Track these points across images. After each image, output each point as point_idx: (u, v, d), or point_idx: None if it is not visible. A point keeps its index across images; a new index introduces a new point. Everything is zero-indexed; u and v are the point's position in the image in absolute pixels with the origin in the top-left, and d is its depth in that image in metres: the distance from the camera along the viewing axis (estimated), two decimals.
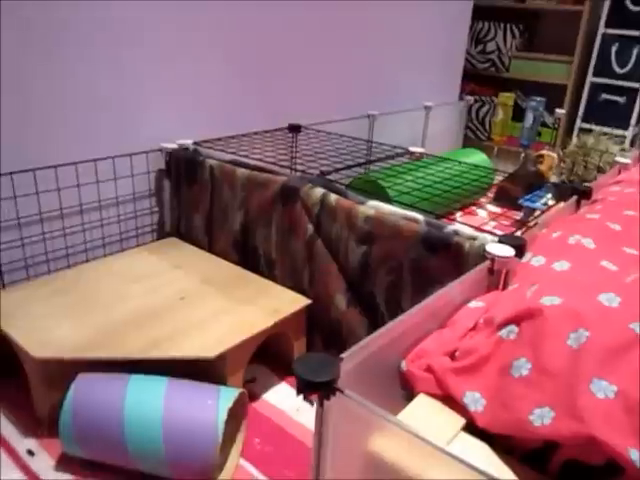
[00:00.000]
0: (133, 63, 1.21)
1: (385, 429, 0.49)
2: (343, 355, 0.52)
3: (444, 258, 0.85)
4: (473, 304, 0.73)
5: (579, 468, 0.50)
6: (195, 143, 1.31)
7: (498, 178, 2.04)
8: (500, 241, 0.82)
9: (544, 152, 2.16)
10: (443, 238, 0.86)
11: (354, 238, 0.96)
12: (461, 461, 0.43)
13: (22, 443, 0.89)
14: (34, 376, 0.89)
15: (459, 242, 0.84)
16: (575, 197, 1.09)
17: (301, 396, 0.49)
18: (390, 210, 0.94)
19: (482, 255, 0.80)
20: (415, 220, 0.91)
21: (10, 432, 0.91)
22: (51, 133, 1.12)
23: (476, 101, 2.89)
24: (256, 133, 1.45)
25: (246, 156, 1.22)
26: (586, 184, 1.12)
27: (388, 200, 1.59)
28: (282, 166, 1.17)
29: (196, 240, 1.28)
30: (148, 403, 0.82)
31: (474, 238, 0.85)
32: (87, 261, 1.20)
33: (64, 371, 0.86)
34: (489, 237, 0.85)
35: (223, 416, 0.80)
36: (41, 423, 0.91)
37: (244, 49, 1.46)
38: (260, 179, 1.10)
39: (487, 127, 2.95)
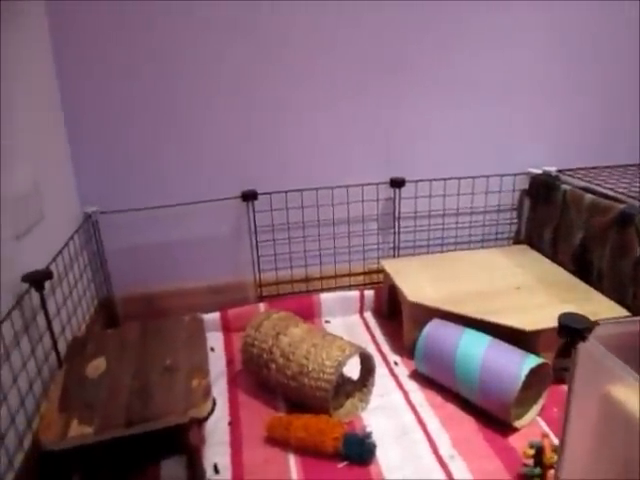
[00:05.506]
0: (512, 107, 1.56)
1: (619, 378, 0.70)
2: (600, 323, 0.75)
3: None
4: None
5: None
6: (559, 171, 1.57)
7: None
8: None
9: None
10: None
11: None
12: None
13: (392, 356, 1.36)
14: (406, 315, 1.34)
15: None
16: None
17: None
18: None
19: None
20: None
21: (386, 349, 1.39)
22: (441, 156, 1.57)
23: None
24: (620, 166, 1.60)
25: (598, 185, 1.41)
26: None
27: None
28: (630, 196, 1.32)
29: (542, 250, 1.54)
30: (474, 348, 1.15)
31: None
32: (454, 250, 1.62)
33: (424, 315, 1.27)
34: None
35: (524, 372, 1.07)
36: (405, 347, 1.36)
37: (611, 84, 1.62)
38: (602, 205, 1.29)
39: None
